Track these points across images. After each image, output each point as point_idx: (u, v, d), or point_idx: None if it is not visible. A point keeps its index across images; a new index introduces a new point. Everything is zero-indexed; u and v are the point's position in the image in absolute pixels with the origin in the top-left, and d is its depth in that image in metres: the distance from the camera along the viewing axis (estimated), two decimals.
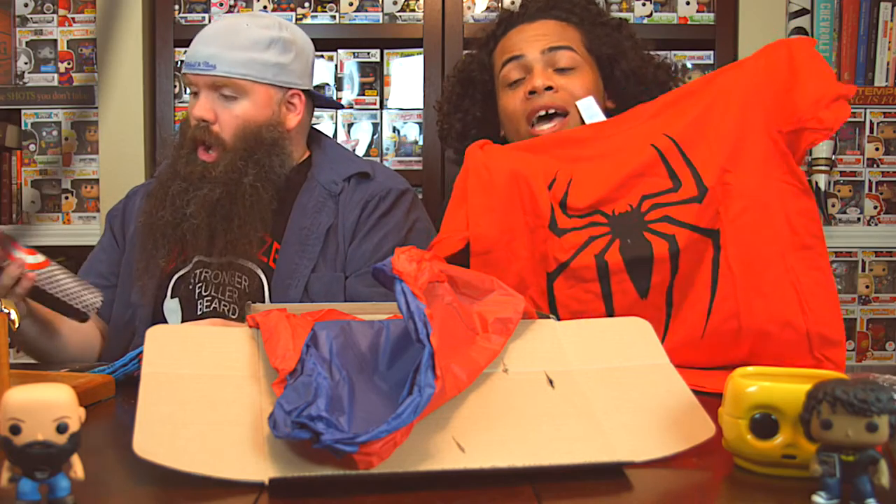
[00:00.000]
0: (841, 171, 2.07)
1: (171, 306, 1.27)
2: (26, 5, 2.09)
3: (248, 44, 1.24)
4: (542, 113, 1.24)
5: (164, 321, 1.26)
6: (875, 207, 2.07)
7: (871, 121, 2.06)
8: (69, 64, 2.09)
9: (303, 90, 1.32)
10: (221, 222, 1.23)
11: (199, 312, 1.26)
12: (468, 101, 1.39)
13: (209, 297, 1.26)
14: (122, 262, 1.34)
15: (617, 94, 1.32)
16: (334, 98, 2.02)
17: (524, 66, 1.26)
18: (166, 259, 1.27)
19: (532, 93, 1.23)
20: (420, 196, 1.77)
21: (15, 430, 0.49)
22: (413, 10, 2.03)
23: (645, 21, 2.02)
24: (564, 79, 1.24)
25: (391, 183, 1.33)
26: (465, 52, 1.48)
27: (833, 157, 2.03)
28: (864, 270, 2.08)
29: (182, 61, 2.04)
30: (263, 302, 1.24)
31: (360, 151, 2.05)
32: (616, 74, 1.30)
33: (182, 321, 1.25)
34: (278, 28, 1.29)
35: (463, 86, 1.39)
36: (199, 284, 1.26)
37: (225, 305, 1.25)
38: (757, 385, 0.63)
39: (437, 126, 1.47)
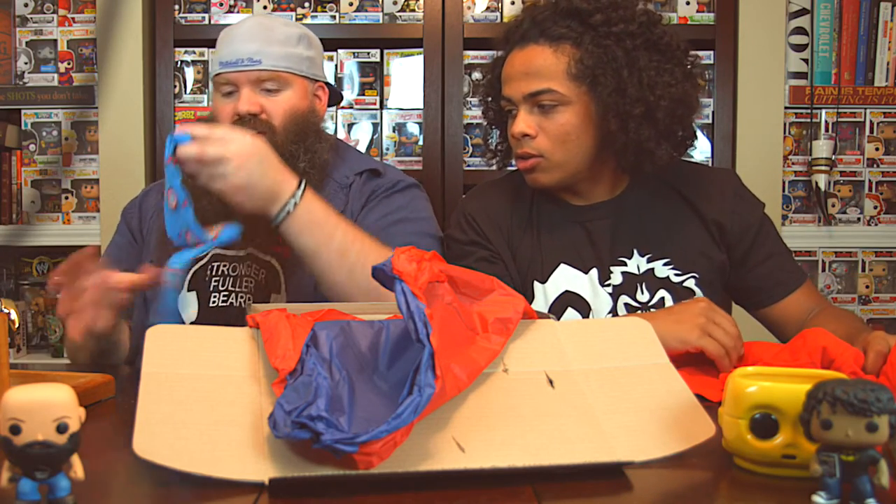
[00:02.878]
0: (841, 171, 2.07)
1: (187, 299, 1.27)
2: (26, 5, 2.09)
3: (283, 39, 1.28)
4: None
5: (178, 313, 1.26)
6: (875, 207, 2.07)
7: (871, 121, 2.06)
8: (69, 64, 2.09)
9: (324, 83, 1.37)
10: None
11: (210, 305, 1.26)
12: (491, 115, 1.38)
13: (226, 291, 1.26)
14: (139, 259, 1.33)
15: (608, 111, 1.19)
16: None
17: (513, 104, 1.26)
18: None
19: (513, 135, 1.25)
20: None
21: (15, 430, 0.49)
22: (413, 10, 2.04)
23: None
24: (545, 119, 1.22)
25: (401, 177, 1.37)
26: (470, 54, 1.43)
27: (833, 157, 2.03)
28: (864, 270, 2.08)
29: (182, 61, 2.05)
30: (279, 291, 1.24)
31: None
32: (601, 93, 1.19)
33: (197, 314, 1.26)
34: (296, 25, 1.33)
35: (487, 101, 1.38)
36: (216, 278, 1.26)
37: (241, 297, 1.25)
38: (757, 385, 0.63)
39: (488, 156, 1.44)
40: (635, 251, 1.26)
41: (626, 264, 1.25)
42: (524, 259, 1.29)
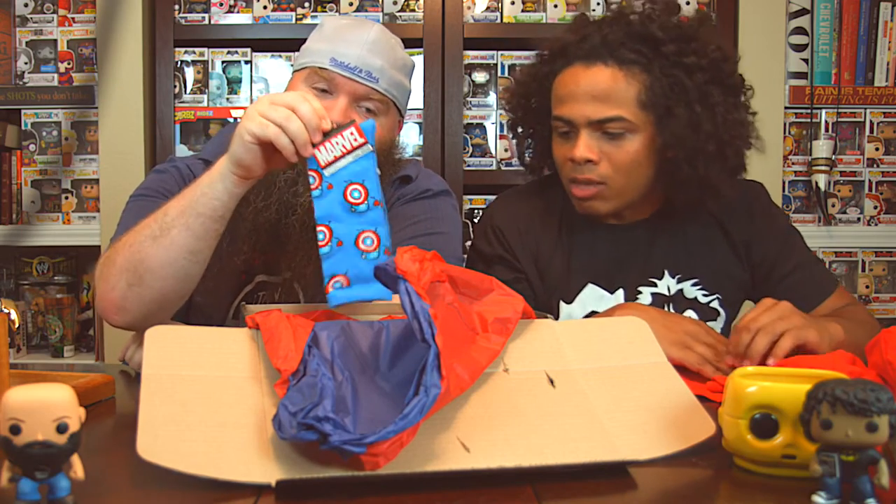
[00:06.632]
0: (841, 171, 2.07)
1: (232, 326, 1.17)
2: (26, 5, 2.09)
3: (400, 65, 1.20)
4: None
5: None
6: (875, 207, 2.07)
7: (871, 121, 2.06)
8: (69, 64, 2.09)
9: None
10: None
11: None
12: (528, 130, 1.33)
13: None
14: None
15: (677, 144, 1.16)
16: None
17: (572, 126, 1.18)
18: (239, 260, 1.15)
19: (573, 159, 1.18)
20: None
21: (15, 430, 0.49)
22: (413, 10, 2.03)
23: None
24: (610, 146, 1.16)
25: (431, 185, 1.26)
26: (529, 61, 1.31)
27: (833, 157, 2.03)
28: (864, 270, 2.08)
29: (182, 61, 2.05)
30: None
31: None
32: (673, 125, 1.16)
33: None
34: (405, 51, 1.24)
35: (524, 113, 1.31)
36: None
37: None
38: (757, 385, 0.63)
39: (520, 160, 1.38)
40: (666, 272, 1.24)
41: (656, 285, 1.24)
42: (552, 278, 1.26)
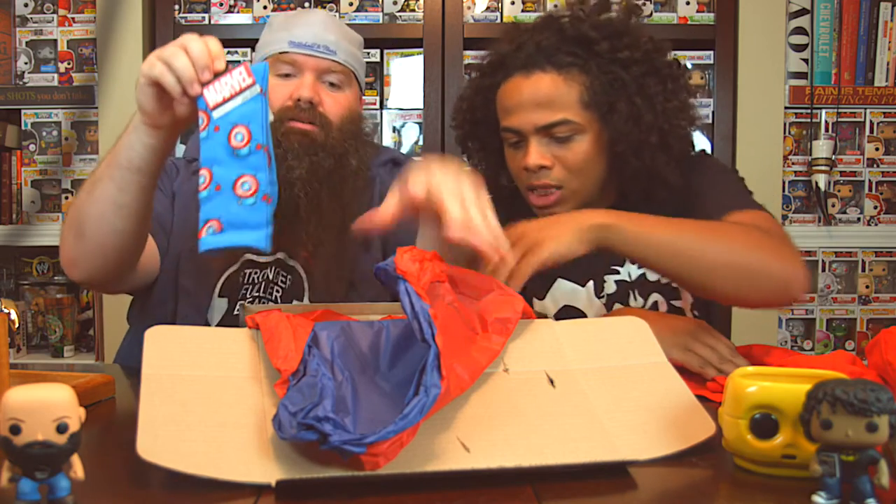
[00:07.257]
0: (841, 171, 2.07)
1: (218, 305, 1.22)
2: (26, 5, 2.09)
3: (352, 38, 1.27)
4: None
5: (206, 318, 1.21)
6: (875, 207, 2.07)
7: (871, 121, 2.07)
8: (69, 64, 2.09)
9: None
10: (331, 196, 1.17)
11: (235, 313, 1.22)
12: (479, 143, 1.34)
13: (251, 298, 1.21)
14: (172, 209, 1.24)
15: (622, 139, 1.17)
16: None
17: (521, 135, 1.20)
18: None
19: (527, 168, 1.19)
20: None
21: (15, 430, 0.49)
22: (413, 10, 2.04)
23: (645, 21, 2.01)
24: (561, 149, 1.17)
25: None
26: (469, 71, 1.39)
27: (833, 157, 2.03)
28: (864, 270, 2.08)
29: None
30: (302, 298, 1.21)
31: None
32: (616, 121, 1.17)
33: (221, 320, 1.21)
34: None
35: (472, 127, 1.32)
36: (247, 286, 1.22)
37: (267, 304, 1.20)
38: (757, 385, 0.63)
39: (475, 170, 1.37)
40: (627, 259, 1.25)
41: (618, 272, 1.25)
42: None
